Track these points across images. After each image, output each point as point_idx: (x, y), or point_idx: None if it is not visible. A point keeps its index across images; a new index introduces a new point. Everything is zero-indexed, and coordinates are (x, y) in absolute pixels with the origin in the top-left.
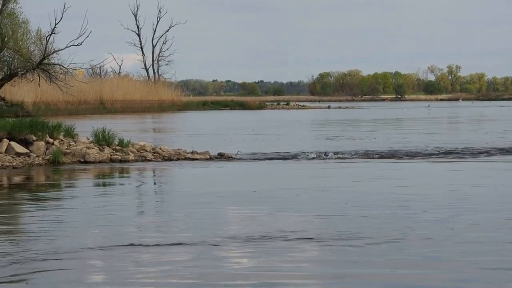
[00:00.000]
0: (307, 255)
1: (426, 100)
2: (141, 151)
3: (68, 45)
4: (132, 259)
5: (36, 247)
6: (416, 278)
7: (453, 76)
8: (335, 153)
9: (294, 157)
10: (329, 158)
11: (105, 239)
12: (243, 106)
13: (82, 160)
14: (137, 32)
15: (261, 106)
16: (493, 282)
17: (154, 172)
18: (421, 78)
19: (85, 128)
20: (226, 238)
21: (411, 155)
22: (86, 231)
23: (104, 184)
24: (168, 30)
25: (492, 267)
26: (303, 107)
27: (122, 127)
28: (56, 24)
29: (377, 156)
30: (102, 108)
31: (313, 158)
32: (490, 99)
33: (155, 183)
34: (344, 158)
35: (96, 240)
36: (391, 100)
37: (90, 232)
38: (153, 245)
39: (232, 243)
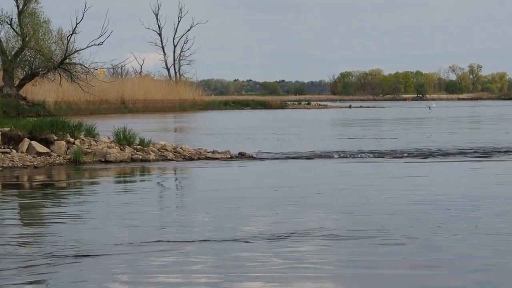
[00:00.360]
0: (327, 253)
1: (447, 99)
2: (162, 150)
3: (89, 44)
4: (156, 256)
5: (58, 246)
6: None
7: (474, 75)
8: (358, 153)
9: (315, 156)
10: (350, 157)
11: (130, 236)
12: (264, 105)
13: (103, 160)
14: (158, 32)
15: (282, 106)
16: None
17: (175, 171)
18: (443, 77)
19: (106, 127)
20: (249, 236)
21: (438, 154)
22: (109, 229)
23: (125, 183)
24: (189, 29)
25: None
26: (324, 107)
27: (143, 126)
28: (77, 24)
29: (405, 155)
30: (124, 107)
31: (334, 157)
32: (510, 98)
33: (176, 182)
34: (365, 157)
35: (120, 237)
36: (412, 99)
37: (115, 229)
38: (178, 241)
39: (256, 241)
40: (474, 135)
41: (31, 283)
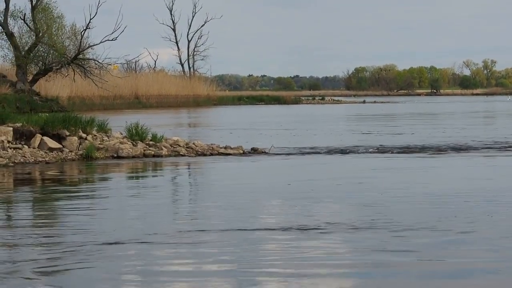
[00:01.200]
0: (339, 244)
1: (462, 94)
2: (174, 146)
3: (103, 40)
4: (170, 247)
5: (73, 239)
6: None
7: (488, 70)
8: (374, 148)
9: (331, 151)
10: (367, 152)
11: (141, 229)
12: (278, 100)
13: (115, 155)
14: (172, 27)
15: (296, 101)
16: None
17: (187, 166)
18: (457, 72)
19: (120, 123)
20: (263, 228)
21: (451, 149)
22: (123, 221)
23: (138, 178)
24: (204, 25)
25: None
26: (338, 102)
27: (157, 122)
28: (91, 19)
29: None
30: (137, 103)
31: (348, 153)
32: None
33: (188, 177)
34: (384, 152)
35: (132, 229)
36: (426, 94)
37: (127, 221)
38: (191, 231)
39: (269, 233)
40: None
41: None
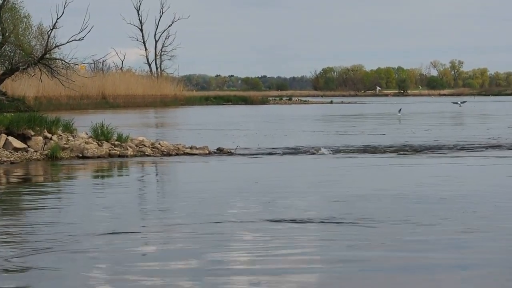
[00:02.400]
0: (305, 237)
1: (428, 95)
2: (140, 146)
3: (70, 40)
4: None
5: (38, 238)
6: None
7: (455, 71)
8: (332, 148)
9: (295, 152)
10: (328, 154)
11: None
12: (245, 101)
13: (81, 155)
14: (140, 27)
15: (263, 101)
16: None
17: (152, 166)
18: (424, 73)
19: (86, 123)
20: (230, 221)
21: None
22: (89, 218)
23: (103, 177)
24: (171, 25)
25: None
26: (305, 102)
27: (123, 122)
28: (57, 19)
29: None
30: (105, 103)
31: (313, 154)
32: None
33: (153, 176)
34: (350, 153)
35: (99, 226)
36: (394, 95)
37: (92, 219)
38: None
39: (236, 229)
40: None
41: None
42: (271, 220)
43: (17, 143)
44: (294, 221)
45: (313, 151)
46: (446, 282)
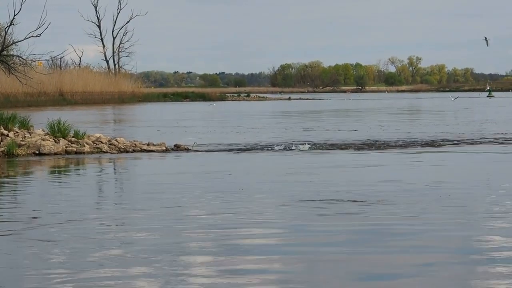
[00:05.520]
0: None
1: (386, 91)
2: (97, 143)
3: (27, 36)
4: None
5: None
6: None
7: (413, 67)
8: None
9: (250, 148)
10: (296, 150)
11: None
12: (203, 97)
13: (37, 152)
14: (97, 24)
15: (221, 98)
16: None
17: (108, 163)
18: (382, 69)
19: (43, 119)
20: (190, 216)
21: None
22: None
23: (59, 174)
24: (129, 21)
25: None
26: (264, 99)
27: (81, 118)
28: (15, 15)
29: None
30: (62, 99)
31: (272, 150)
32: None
33: (109, 172)
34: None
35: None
36: (352, 91)
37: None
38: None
39: (196, 226)
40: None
41: None
42: (227, 217)
43: None
44: (250, 219)
45: (287, 146)
46: None
